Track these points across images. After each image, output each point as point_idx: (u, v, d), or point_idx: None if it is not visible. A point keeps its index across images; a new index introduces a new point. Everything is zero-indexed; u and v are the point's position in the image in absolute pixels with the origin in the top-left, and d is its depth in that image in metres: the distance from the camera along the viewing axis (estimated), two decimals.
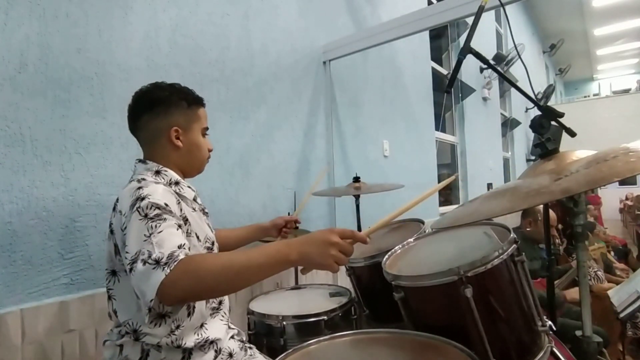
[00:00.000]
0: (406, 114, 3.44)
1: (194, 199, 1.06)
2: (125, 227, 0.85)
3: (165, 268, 0.76)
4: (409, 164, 3.41)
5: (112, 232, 0.94)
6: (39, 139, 1.23)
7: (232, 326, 1.11)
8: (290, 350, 0.99)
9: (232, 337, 1.06)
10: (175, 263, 0.76)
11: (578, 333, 0.80)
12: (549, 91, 8.25)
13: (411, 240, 1.37)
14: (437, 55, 4.51)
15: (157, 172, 1.00)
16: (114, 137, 1.42)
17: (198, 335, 0.96)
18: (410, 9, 2.14)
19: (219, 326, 1.02)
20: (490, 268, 0.97)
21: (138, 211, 0.84)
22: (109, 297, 0.98)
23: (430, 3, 3.96)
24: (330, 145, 2.51)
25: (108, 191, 1.39)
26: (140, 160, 1.04)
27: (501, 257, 0.98)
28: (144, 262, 0.77)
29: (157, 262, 0.77)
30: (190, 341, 0.94)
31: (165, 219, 0.84)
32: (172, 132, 1.02)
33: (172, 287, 0.75)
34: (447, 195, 4.74)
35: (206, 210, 1.11)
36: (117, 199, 0.94)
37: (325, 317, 1.33)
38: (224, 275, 0.78)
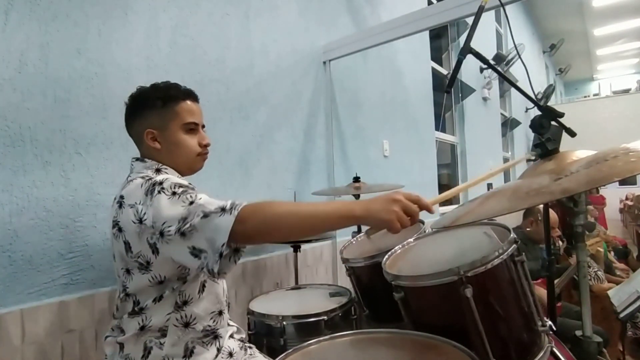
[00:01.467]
0: (406, 114, 3.44)
1: None
2: (145, 213, 0.86)
3: (233, 211, 0.80)
4: (409, 164, 3.41)
5: (120, 229, 0.92)
6: (39, 139, 1.23)
7: (232, 323, 1.11)
8: (290, 350, 0.99)
9: (231, 335, 1.06)
10: (240, 206, 0.81)
11: (578, 333, 0.80)
12: (549, 91, 8.25)
13: (411, 240, 1.37)
14: (437, 55, 4.51)
15: (158, 171, 1.00)
16: (114, 137, 1.42)
17: (205, 320, 0.97)
18: (410, 9, 2.14)
19: (218, 323, 1.03)
20: (490, 268, 0.97)
21: (162, 192, 0.87)
22: (127, 295, 0.96)
23: (430, 3, 3.96)
24: (330, 145, 2.51)
25: (108, 191, 1.39)
26: (137, 159, 1.05)
27: (501, 257, 0.98)
28: (204, 215, 0.81)
29: (222, 209, 0.81)
30: (200, 323, 0.95)
31: (194, 191, 0.88)
32: (146, 134, 1.02)
33: (243, 226, 0.79)
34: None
35: None
36: (121, 197, 0.93)
37: (325, 317, 1.33)
38: (290, 218, 0.83)
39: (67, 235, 1.29)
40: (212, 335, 0.99)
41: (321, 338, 1.05)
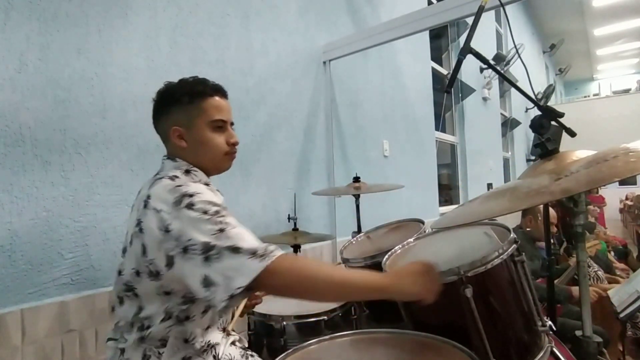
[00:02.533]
0: (406, 114, 3.44)
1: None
2: (170, 224, 0.82)
3: (264, 260, 0.78)
4: (409, 164, 3.41)
5: (141, 230, 0.87)
6: (39, 139, 1.23)
7: (233, 333, 1.09)
8: (290, 350, 0.99)
9: (233, 343, 1.05)
10: (274, 257, 0.79)
11: (578, 333, 0.80)
12: (549, 91, 8.26)
13: (411, 240, 1.37)
14: (437, 55, 4.51)
15: (187, 172, 0.97)
16: (114, 137, 1.42)
17: (203, 337, 0.95)
18: (410, 9, 2.14)
19: (215, 332, 1.01)
20: (490, 268, 0.97)
21: (191, 208, 0.83)
22: (135, 295, 0.92)
23: (430, 3, 3.96)
24: (330, 145, 2.51)
25: (108, 191, 1.39)
26: (168, 157, 1.01)
27: (501, 257, 0.98)
28: (232, 250, 0.79)
29: (254, 253, 0.79)
30: (198, 340, 0.93)
31: (227, 215, 0.85)
32: (172, 132, 0.98)
33: (271, 278, 0.78)
34: (447, 195, 4.75)
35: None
36: (148, 197, 0.88)
37: (325, 317, 1.33)
38: (323, 285, 0.82)
39: (67, 235, 1.29)
40: (208, 346, 0.96)
41: (321, 338, 1.05)
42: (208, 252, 0.79)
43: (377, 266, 1.25)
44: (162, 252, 0.84)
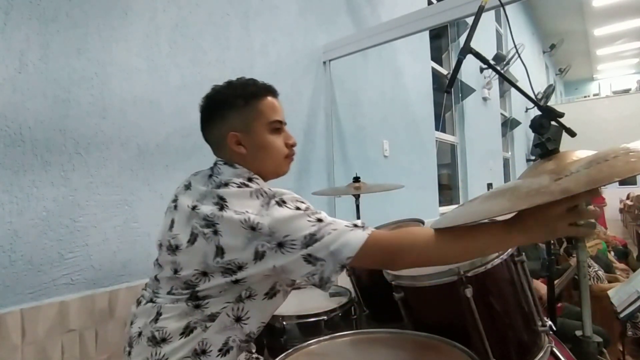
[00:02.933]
0: (406, 114, 3.44)
1: None
2: (259, 223, 0.79)
3: (366, 229, 0.80)
4: (409, 164, 3.41)
5: (216, 232, 0.82)
6: (39, 139, 1.23)
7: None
8: (290, 350, 0.99)
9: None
10: (371, 228, 0.81)
11: (578, 333, 0.80)
12: (549, 91, 8.26)
13: None
14: (437, 55, 4.51)
15: (249, 180, 0.91)
16: (114, 137, 1.42)
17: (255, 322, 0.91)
18: (410, 9, 2.14)
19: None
20: (490, 268, 0.97)
21: (284, 205, 0.82)
22: (197, 297, 0.86)
23: (430, 3, 3.96)
24: (330, 145, 2.51)
25: (108, 191, 1.39)
26: (225, 162, 0.95)
27: (501, 257, 0.99)
28: (334, 231, 0.79)
29: (355, 225, 0.81)
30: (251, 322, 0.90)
31: (317, 211, 0.84)
32: (229, 138, 0.93)
33: (375, 244, 0.79)
34: (447, 195, 4.75)
35: None
36: (221, 198, 0.84)
37: (325, 317, 1.34)
38: (439, 249, 0.81)
39: (67, 235, 1.29)
40: (247, 342, 0.92)
41: (321, 338, 1.05)
42: (310, 241, 0.79)
43: None
44: (251, 249, 0.81)
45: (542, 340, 1.04)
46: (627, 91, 12.35)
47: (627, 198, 8.39)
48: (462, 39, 3.92)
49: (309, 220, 0.81)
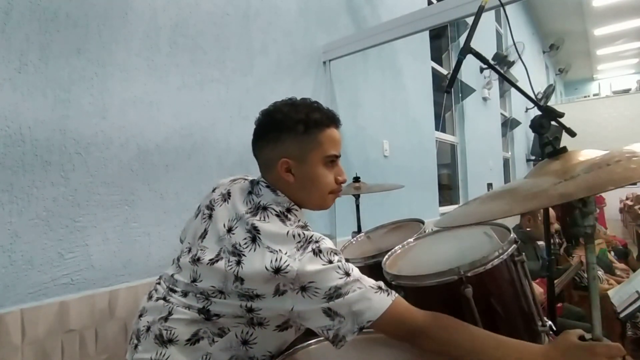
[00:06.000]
0: (406, 114, 3.44)
1: None
2: (288, 266, 0.78)
3: (391, 294, 0.79)
4: (409, 164, 3.41)
5: (239, 262, 0.81)
6: (39, 139, 1.23)
7: None
8: (290, 350, 0.99)
9: None
10: (396, 295, 0.80)
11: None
12: (549, 91, 8.25)
13: (411, 240, 1.37)
14: (437, 55, 4.51)
15: (289, 210, 0.89)
16: (114, 137, 1.42)
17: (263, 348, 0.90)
18: (410, 9, 2.14)
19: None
20: (490, 268, 0.97)
21: (319, 256, 0.80)
22: (202, 308, 0.85)
23: (430, 3, 3.96)
24: None
25: (108, 191, 1.39)
26: (267, 186, 0.93)
27: (501, 257, 0.98)
28: (359, 289, 0.78)
29: (379, 288, 0.80)
30: (257, 348, 0.89)
31: (348, 265, 0.83)
32: (280, 164, 0.90)
33: (401, 314, 0.78)
34: (447, 195, 4.74)
35: None
36: (255, 229, 0.82)
37: None
38: (466, 347, 0.77)
39: (67, 235, 1.29)
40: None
41: (321, 338, 1.05)
42: (334, 294, 0.77)
43: (377, 266, 1.25)
44: (270, 287, 0.79)
45: (542, 340, 1.03)
46: (627, 91, 12.33)
47: (627, 198, 8.39)
48: (462, 39, 3.92)
49: (337, 272, 0.79)
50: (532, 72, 6.63)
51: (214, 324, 0.85)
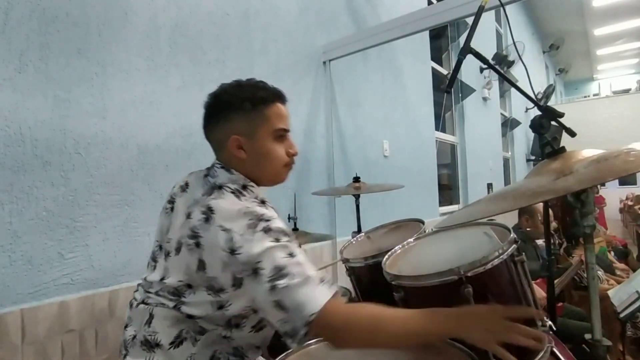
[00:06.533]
0: (406, 114, 3.44)
1: None
2: (241, 247, 0.79)
3: (332, 288, 0.79)
4: (409, 164, 3.41)
5: (198, 245, 0.82)
6: (39, 139, 1.23)
7: None
8: (290, 350, 0.99)
9: None
10: (336, 288, 0.80)
11: (587, 336, 0.79)
12: (549, 91, 8.25)
13: (411, 240, 1.37)
14: (437, 55, 4.51)
15: (244, 187, 0.90)
16: (114, 137, 1.42)
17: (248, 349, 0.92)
18: (410, 9, 2.14)
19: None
20: (490, 268, 0.97)
21: (268, 234, 0.80)
22: (175, 307, 0.86)
23: (430, 3, 3.96)
24: (330, 145, 2.51)
25: (108, 191, 1.39)
26: (222, 166, 0.94)
27: (501, 257, 0.98)
28: (300, 278, 0.78)
29: (322, 280, 0.80)
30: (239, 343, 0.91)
31: (294, 243, 0.84)
32: (231, 141, 0.91)
33: (336, 309, 0.77)
34: (447, 195, 4.74)
35: None
36: (209, 209, 0.83)
37: None
38: (387, 339, 0.79)
39: (67, 235, 1.29)
40: (240, 356, 0.93)
41: (321, 338, 1.05)
42: (278, 276, 0.77)
43: (377, 266, 1.25)
44: (229, 273, 0.81)
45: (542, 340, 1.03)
46: (627, 91, 12.33)
47: (627, 198, 8.40)
48: (462, 39, 3.92)
49: (282, 251, 0.80)
50: (532, 72, 6.64)
51: (194, 322, 0.87)
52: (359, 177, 2.04)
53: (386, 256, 1.27)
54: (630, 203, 8.01)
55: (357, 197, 2.08)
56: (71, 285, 1.29)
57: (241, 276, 0.80)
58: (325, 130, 2.50)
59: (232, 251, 0.79)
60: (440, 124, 4.29)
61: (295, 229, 1.95)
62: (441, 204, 4.13)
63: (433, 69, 4.10)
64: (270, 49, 2.12)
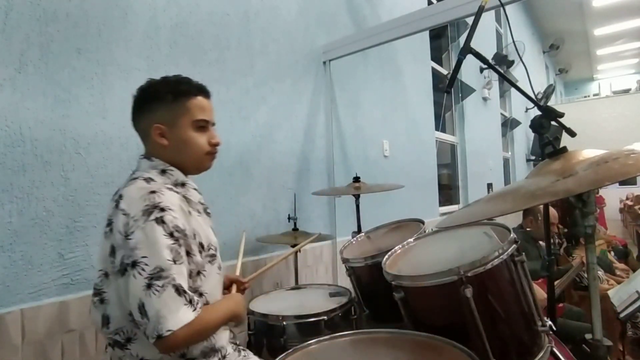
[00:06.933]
0: (406, 114, 3.44)
1: (199, 201, 1.03)
2: (133, 233, 0.83)
3: (196, 310, 0.83)
4: (409, 164, 3.41)
5: (111, 230, 0.87)
6: (39, 139, 1.23)
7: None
8: (290, 350, 0.99)
9: None
10: (197, 313, 0.84)
11: (588, 336, 0.80)
12: (549, 91, 8.24)
13: (411, 240, 1.37)
14: (437, 55, 4.51)
15: (163, 171, 0.97)
16: (114, 137, 1.42)
17: (207, 341, 0.94)
18: (410, 9, 2.14)
19: (225, 334, 1.00)
20: (490, 268, 0.97)
21: (161, 225, 0.84)
22: (102, 301, 0.91)
23: (430, 3, 3.96)
24: (330, 145, 2.51)
25: (108, 191, 1.39)
26: (144, 156, 1.00)
27: (501, 257, 0.98)
28: (176, 289, 0.81)
29: (190, 302, 0.83)
30: (197, 350, 0.92)
31: (182, 248, 0.87)
32: (153, 130, 0.97)
33: (188, 333, 0.82)
34: (447, 195, 4.74)
35: (208, 211, 1.07)
36: (120, 195, 0.89)
37: (325, 317, 1.34)
38: (213, 329, 0.92)
39: (67, 235, 1.29)
40: (211, 349, 0.95)
41: (321, 338, 1.05)
42: (153, 279, 0.80)
43: (377, 266, 1.25)
44: (119, 257, 0.84)
45: (542, 340, 1.04)
46: (627, 91, 12.33)
47: (627, 198, 8.39)
48: (462, 39, 3.91)
49: (168, 255, 0.83)
50: (532, 72, 6.65)
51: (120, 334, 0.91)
52: (359, 177, 2.04)
53: (386, 256, 1.27)
54: (630, 203, 8.01)
55: (357, 197, 2.08)
56: (71, 285, 1.29)
57: (125, 262, 0.83)
58: (325, 130, 2.50)
59: (126, 235, 0.83)
60: (440, 124, 4.29)
61: (295, 229, 1.95)
62: (441, 204, 4.13)
63: (433, 69, 4.09)
64: (270, 49, 2.12)
